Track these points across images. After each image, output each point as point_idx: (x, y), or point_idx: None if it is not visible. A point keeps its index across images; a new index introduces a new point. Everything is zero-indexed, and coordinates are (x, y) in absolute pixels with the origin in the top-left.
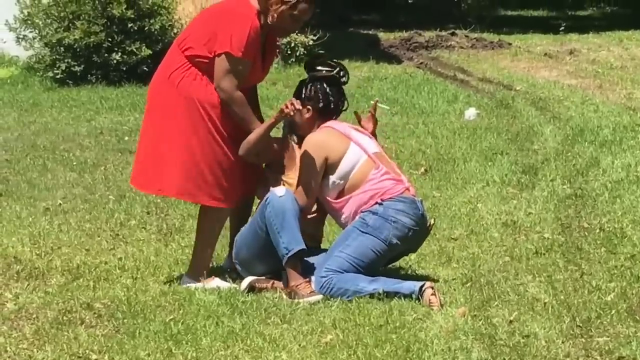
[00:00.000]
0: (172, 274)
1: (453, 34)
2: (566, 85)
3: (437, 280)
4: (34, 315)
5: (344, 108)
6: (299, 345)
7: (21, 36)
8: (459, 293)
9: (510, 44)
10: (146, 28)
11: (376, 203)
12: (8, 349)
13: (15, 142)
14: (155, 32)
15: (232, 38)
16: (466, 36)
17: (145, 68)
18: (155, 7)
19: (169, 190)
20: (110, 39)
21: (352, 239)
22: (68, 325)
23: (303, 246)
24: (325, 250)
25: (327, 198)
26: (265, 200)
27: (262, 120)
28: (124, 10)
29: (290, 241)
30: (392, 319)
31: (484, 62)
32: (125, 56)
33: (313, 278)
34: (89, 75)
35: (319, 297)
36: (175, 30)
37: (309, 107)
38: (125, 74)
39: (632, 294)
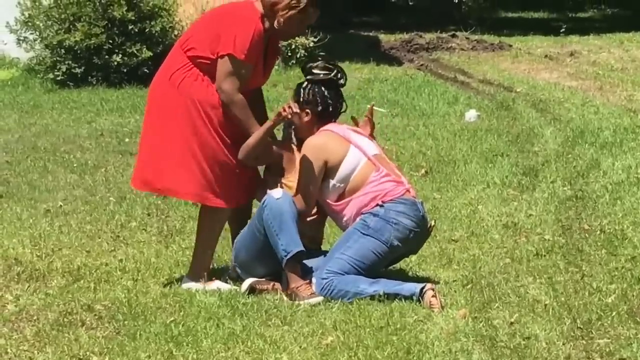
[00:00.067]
0: (173, 276)
1: (453, 35)
2: (567, 87)
3: (438, 282)
4: (35, 317)
5: (343, 110)
6: (300, 347)
7: (22, 38)
8: (460, 295)
9: (510, 45)
10: (147, 30)
11: (377, 205)
12: (9, 350)
13: (15, 143)
14: (156, 34)
15: (235, 40)
16: (467, 38)
17: (145, 70)
18: (156, 9)
19: (169, 191)
20: (110, 41)
21: (353, 241)
22: (69, 327)
23: (301, 248)
24: (325, 253)
25: (328, 201)
26: (263, 203)
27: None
28: (124, 12)
29: (289, 243)
30: (392, 321)
31: (485, 63)
32: (125, 58)
33: (314, 280)
34: (90, 77)
35: (320, 298)
36: (175, 32)
37: (307, 110)
38: (125, 76)
39: (632, 296)
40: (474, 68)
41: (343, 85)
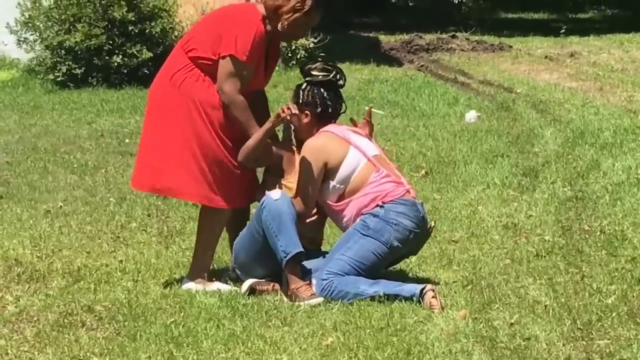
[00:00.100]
0: (173, 277)
1: (454, 36)
2: (567, 87)
3: (438, 283)
4: (35, 318)
5: (342, 111)
6: (300, 347)
7: (22, 39)
8: (460, 296)
9: (510, 46)
10: (147, 31)
11: (377, 205)
12: (9, 351)
13: (16, 144)
14: (156, 35)
15: (237, 41)
16: (467, 39)
17: (146, 71)
18: (156, 10)
19: (169, 191)
20: (111, 42)
21: (353, 242)
22: (69, 327)
23: (301, 249)
24: (325, 253)
25: (328, 202)
26: (261, 205)
27: None
28: (124, 13)
29: (288, 244)
30: (393, 322)
31: (485, 64)
32: (126, 59)
33: (314, 281)
34: (90, 78)
35: (320, 299)
36: (176, 33)
37: (307, 112)
38: (126, 77)
39: (632, 297)
40: (474, 69)
41: (342, 86)
